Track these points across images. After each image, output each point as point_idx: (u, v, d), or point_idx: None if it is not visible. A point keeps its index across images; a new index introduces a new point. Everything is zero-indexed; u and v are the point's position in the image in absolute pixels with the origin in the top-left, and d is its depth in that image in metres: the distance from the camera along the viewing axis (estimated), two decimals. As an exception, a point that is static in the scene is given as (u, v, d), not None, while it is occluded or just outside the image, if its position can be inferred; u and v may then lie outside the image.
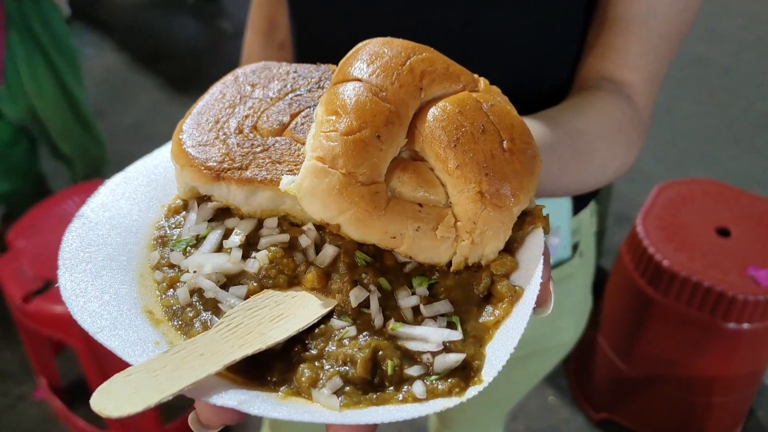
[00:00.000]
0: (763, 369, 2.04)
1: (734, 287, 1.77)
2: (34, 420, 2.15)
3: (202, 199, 0.49)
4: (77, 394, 2.14)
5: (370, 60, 0.45)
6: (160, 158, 0.54)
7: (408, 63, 0.45)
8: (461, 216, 0.43)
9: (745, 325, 1.83)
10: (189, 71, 3.96)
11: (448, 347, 0.40)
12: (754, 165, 3.23)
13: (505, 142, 0.45)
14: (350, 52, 0.47)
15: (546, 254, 0.44)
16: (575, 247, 0.99)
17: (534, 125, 0.58)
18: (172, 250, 0.46)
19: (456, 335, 0.41)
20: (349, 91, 0.43)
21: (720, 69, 3.90)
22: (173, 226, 0.48)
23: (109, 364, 1.81)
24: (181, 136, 0.49)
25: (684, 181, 2.15)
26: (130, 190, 0.50)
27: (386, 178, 0.43)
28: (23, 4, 2.10)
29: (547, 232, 0.46)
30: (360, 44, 0.47)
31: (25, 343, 2.01)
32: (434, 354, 0.40)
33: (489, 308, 0.43)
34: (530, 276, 0.43)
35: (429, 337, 0.40)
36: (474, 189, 0.43)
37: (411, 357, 0.40)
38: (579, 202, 0.96)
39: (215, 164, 0.47)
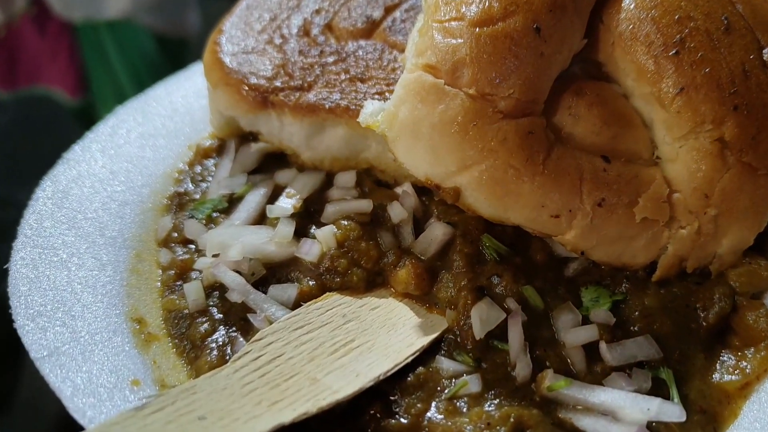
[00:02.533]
0: None
1: None
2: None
3: (246, 139, 0.33)
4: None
5: None
6: (194, 79, 0.37)
7: None
8: (681, 183, 0.24)
9: None
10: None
11: None
12: None
13: (766, 51, 0.25)
14: None
15: None
16: None
17: None
18: (190, 216, 0.30)
19: (672, 411, 0.22)
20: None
21: None
22: (199, 178, 0.32)
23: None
24: (219, 39, 0.32)
25: None
26: (145, 122, 0.35)
27: (547, 108, 0.24)
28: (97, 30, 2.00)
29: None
30: None
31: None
32: None
33: (728, 357, 0.24)
34: None
35: (620, 409, 0.22)
36: (710, 134, 0.23)
37: None
38: None
39: (263, 81, 0.30)
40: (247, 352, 0.25)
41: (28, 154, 2.94)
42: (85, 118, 2.40)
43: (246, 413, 0.22)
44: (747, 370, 0.25)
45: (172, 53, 2.23)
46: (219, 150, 0.34)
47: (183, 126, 0.36)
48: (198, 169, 0.33)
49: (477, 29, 0.24)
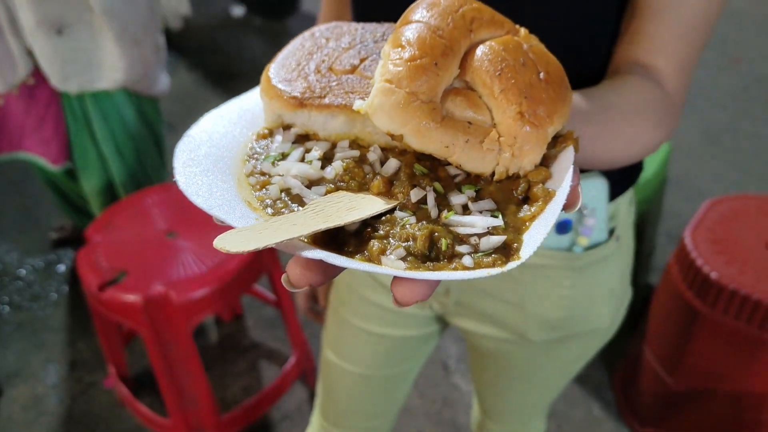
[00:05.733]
0: (816, 384, 2.00)
1: (785, 302, 1.76)
2: (103, 406, 2.28)
3: (286, 128, 0.59)
4: (143, 383, 2.27)
5: (428, 8, 0.54)
6: (247, 100, 0.64)
7: (460, 10, 0.54)
8: (504, 132, 0.51)
9: (796, 341, 1.81)
10: (255, 89, 4.20)
11: (491, 232, 0.48)
12: (816, 188, 3.17)
13: (541, 74, 0.53)
14: (411, 5, 0.56)
15: (576, 167, 0.52)
16: (611, 232, 1.03)
17: None
18: (262, 162, 0.56)
19: (498, 222, 0.48)
20: (412, 30, 0.52)
21: (786, 89, 3.86)
22: (262, 147, 0.58)
23: (173, 352, 1.93)
24: (269, 74, 0.59)
25: (736, 197, 2.16)
26: (224, 121, 0.60)
27: (441, 100, 0.52)
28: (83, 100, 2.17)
29: (577, 150, 0.53)
30: None
31: (99, 331, 2.15)
32: (480, 236, 0.48)
33: (526, 207, 0.50)
34: (561, 181, 0.50)
35: (476, 223, 0.48)
36: (515, 109, 0.51)
37: (461, 239, 0.48)
38: (616, 188, 1.01)
39: (299, 94, 0.57)
40: (307, 207, 0.48)
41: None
42: (62, 184, 2.55)
43: (313, 224, 0.45)
44: (532, 210, 0.50)
45: (149, 125, 2.44)
46: (270, 135, 0.58)
47: (247, 123, 0.61)
48: (261, 143, 0.59)
49: (409, 63, 0.49)
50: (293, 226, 0.45)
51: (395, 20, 0.68)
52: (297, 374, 2.26)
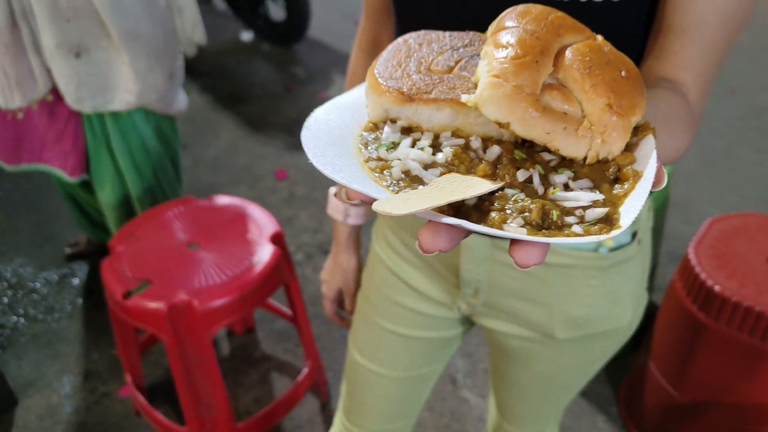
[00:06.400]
0: (818, 395, 2.06)
1: (787, 314, 1.76)
2: (117, 415, 2.29)
3: (392, 121, 0.66)
4: (158, 393, 2.30)
5: (521, 15, 0.61)
6: (345, 99, 0.71)
7: (549, 17, 0.62)
8: (594, 122, 0.59)
9: (798, 353, 1.78)
10: (265, 112, 4.32)
11: (593, 205, 0.55)
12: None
13: (623, 72, 0.60)
14: (501, 15, 0.64)
15: (657, 152, 0.59)
16: (634, 235, 1.11)
17: None
18: (377, 149, 0.63)
19: (599, 196, 0.55)
20: (512, 33, 0.59)
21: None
22: (372, 138, 0.65)
23: (193, 359, 1.96)
24: (375, 73, 0.66)
25: (736, 215, 2.25)
26: (333, 116, 0.67)
27: (540, 94, 0.59)
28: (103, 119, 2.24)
29: (656, 138, 0.61)
30: (509, 9, 0.64)
31: (117, 340, 2.18)
32: (585, 209, 0.55)
33: (618, 186, 0.57)
34: (646, 163, 0.58)
35: (580, 198, 0.55)
36: (604, 102, 0.58)
37: (567, 212, 0.55)
38: None
39: (407, 89, 0.64)
40: (431, 184, 0.56)
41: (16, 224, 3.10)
42: (80, 197, 2.59)
43: (442, 197, 0.53)
44: (625, 188, 0.56)
45: (166, 142, 2.49)
46: (376, 128, 0.63)
47: (352, 119, 0.67)
48: (370, 134, 0.66)
49: (513, 61, 0.55)
50: (428, 198, 0.52)
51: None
52: (309, 385, 2.29)
